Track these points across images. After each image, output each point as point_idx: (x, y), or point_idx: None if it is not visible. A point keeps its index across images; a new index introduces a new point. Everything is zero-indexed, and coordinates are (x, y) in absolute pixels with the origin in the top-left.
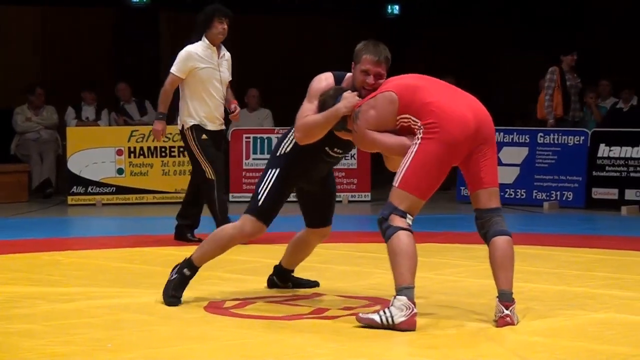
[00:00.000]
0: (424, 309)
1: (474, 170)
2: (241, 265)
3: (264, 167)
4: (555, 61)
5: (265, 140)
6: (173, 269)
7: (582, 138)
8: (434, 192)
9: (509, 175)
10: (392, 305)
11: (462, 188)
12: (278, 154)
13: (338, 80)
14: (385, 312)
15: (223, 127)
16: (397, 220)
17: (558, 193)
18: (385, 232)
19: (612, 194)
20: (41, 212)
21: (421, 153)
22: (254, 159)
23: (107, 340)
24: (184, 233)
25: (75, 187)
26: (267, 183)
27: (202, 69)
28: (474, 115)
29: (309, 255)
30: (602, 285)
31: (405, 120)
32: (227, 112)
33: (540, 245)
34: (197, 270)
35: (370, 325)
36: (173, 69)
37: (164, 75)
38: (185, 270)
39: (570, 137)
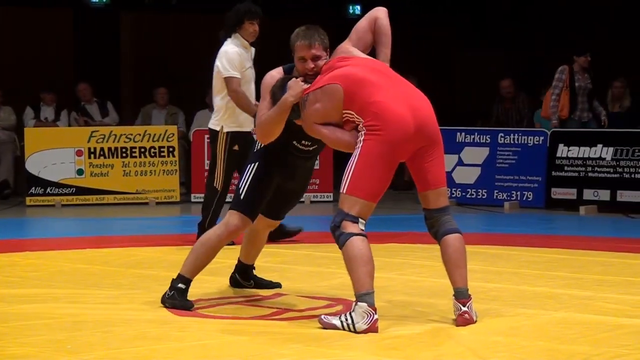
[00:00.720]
0: (386, 311)
1: (421, 172)
2: None
3: None
4: (511, 62)
5: None
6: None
7: (542, 138)
8: (384, 192)
9: (470, 175)
10: (353, 311)
11: None
12: (255, 149)
13: (288, 72)
14: (347, 318)
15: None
16: (349, 227)
17: (518, 193)
18: (339, 240)
19: (570, 194)
20: None
21: (364, 156)
22: None
23: (66, 341)
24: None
25: (33, 187)
26: (247, 177)
27: (247, 70)
28: (415, 116)
29: (263, 247)
30: (562, 285)
31: (350, 116)
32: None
33: (501, 245)
34: (190, 282)
35: (331, 329)
36: (229, 72)
37: (124, 76)
38: (180, 285)
39: (530, 137)
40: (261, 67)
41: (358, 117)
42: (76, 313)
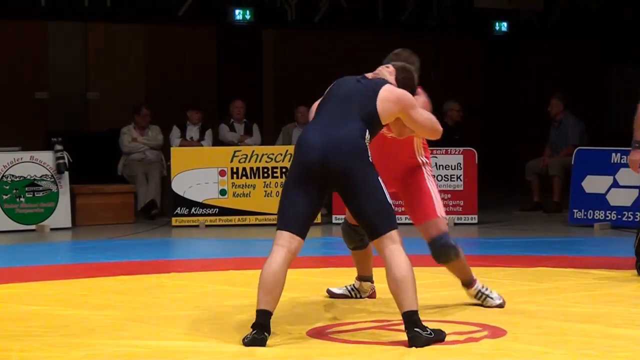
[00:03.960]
0: (536, 336)
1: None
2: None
3: None
4: None
5: None
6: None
7: None
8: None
9: (626, 197)
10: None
11: (575, 211)
12: (366, 161)
13: None
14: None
15: None
16: None
17: None
18: (459, 253)
19: None
20: (146, 233)
21: (434, 179)
22: None
23: None
24: None
25: (179, 208)
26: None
27: None
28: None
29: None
30: None
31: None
32: None
33: None
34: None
35: None
36: None
37: (266, 95)
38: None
39: None
40: None
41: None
42: (220, 335)
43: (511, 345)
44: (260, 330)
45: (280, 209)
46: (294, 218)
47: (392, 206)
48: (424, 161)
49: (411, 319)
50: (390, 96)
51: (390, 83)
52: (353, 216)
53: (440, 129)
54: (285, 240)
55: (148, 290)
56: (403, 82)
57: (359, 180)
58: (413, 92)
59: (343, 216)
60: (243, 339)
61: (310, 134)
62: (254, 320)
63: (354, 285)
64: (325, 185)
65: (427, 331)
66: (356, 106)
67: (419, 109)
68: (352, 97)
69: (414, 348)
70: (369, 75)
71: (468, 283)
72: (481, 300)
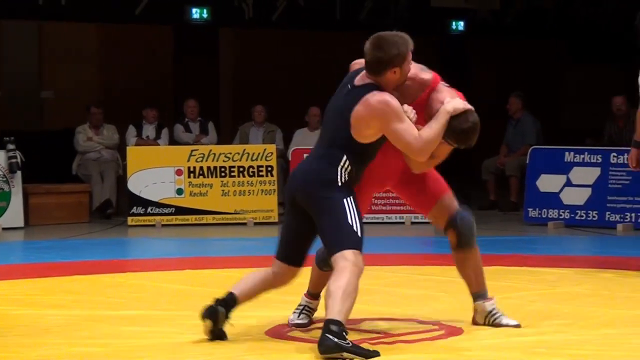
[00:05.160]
0: (491, 335)
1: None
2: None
3: None
4: (625, 77)
5: None
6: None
7: None
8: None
9: (580, 196)
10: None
11: (530, 209)
12: (339, 183)
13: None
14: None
15: None
16: None
17: (633, 215)
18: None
19: None
20: (102, 233)
21: None
22: None
23: None
24: None
25: (135, 207)
26: (353, 213)
27: None
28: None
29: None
30: None
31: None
32: None
33: (614, 268)
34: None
35: None
36: None
37: (223, 94)
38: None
39: None
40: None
41: None
42: (176, 335)
43: (466, 344)
44: (219, 303)
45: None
46: (284, 246)
47: (355, 229)
48: None
49: (328, 326)
50: (362, 113)
51: (375, 85)
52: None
53: (418, 147)
54: (275, 267)
55: (103, 290)
56: (381, 62)
57: (320, 205)
58: (403, 60)
59: None
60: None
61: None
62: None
63: (307, 305)
64: (302, 209)
65: (347, 342)
66: (333, 130)
67: (407, 122)
68: (334, 117)
69: (371, 346)
70: (357, 80)
71: (483, 295)
72: (491, 320)
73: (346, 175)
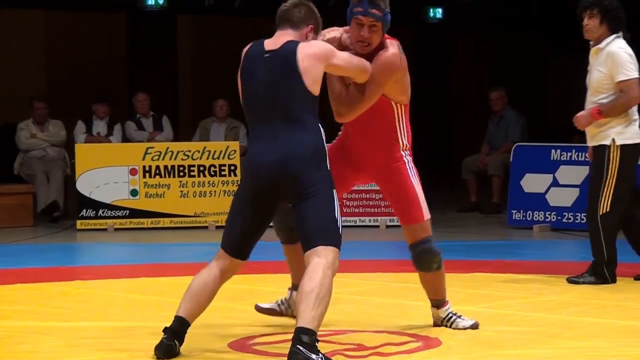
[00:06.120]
0: (471, 346)
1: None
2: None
3: None
4: None
5: None
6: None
7: None
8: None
9: (567, 197)
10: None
11: (514, 211)
12: (322, 170)
13: None
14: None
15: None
16: None
17: None
18: (440, 263)
19: None
20: (48, 237)
21: (418, 178)
22: None
23: None
24: None
25: (85, 210)
26: (336, 206)
27: None
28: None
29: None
30: None
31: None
32: None
33: None
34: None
35: None
36: (631, 73)
37: (183, 87)
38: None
39: None
40: None
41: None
42: (131, 348)
43: (445, 358)
44: (170, 336)
45: (225, 226)
46: (233, 238)
47: (339, 226)
48: (407, 153)
49: (299, 336)
50: (309, 61)
51: (295, 40)
52: (296, 222)
53: (368, 65)
54: (221, 258)
55: (49, 300)
56: (303, 19)
57: (311, 190)
58: (317, 23)
59: None
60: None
61: (256, 150)
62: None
63: (285, 298)
64: (276, 200)
65: (319, 355)
66: (290, 101)
67: (338, 53)
68: (279, 90)
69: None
70: (268, 43)
71: (440, 303)
72: (450, 323)
73: (324, 141)
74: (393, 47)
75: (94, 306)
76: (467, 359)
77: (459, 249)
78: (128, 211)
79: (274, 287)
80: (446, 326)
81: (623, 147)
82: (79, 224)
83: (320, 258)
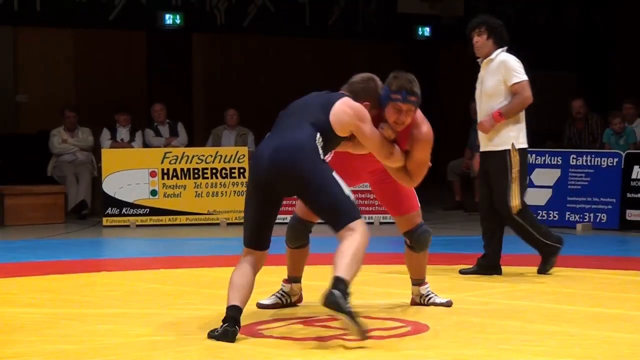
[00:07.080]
0: (457, 332)
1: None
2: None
3: None
4: (583, 81)
5: None
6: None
7: (617, 160)
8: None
9: (541, 197)
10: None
11: None
12: (322, 158)
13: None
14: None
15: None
16: None
17: (592, 215)
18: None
19: None
20: (77, 233)
21: None
22: None
23: None
24: None
25: (110, 208)
26: (342, 184)
27: None
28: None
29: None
30: (636, 307)
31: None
32: None
33: (574, 267)
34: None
35: None
36: (522, 76)
37: (196, 98)
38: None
39: (604, 158)
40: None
41: None
42: (150, 333)
43: (433, 342)
44: (232, 323)
45: (244, 223)
46: (249, 232)
47: (350, 197)
48: None
49: (336, 282)
50: (344, 107)
51: (349, 96)
52: (315, 214)
53: (396, 154)
54: (247, 254)
55: (78, 289)
56: (363, 91)
57: (310, 177)
58: (376, 102)
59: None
60: (210, 333)
61: (263, 146)
62: (222, 316)
63: (282, 290)
64: (281, 192)
65: (348, 305)
66: (308, 115)
67: (371, 126)
68: (307, 107)
69: (341, 348)
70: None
71: (421, 281)
72: (427, 299)
73: (320, 149)
74: (424, 124)
75: (118, 295)
76: (453, 342)
77: (444, 243)
78: (148, 209)
79: (275, 277)
80: (423, 302)
81: (520, 150)
82: (105, 221)
83: (354, 231)
